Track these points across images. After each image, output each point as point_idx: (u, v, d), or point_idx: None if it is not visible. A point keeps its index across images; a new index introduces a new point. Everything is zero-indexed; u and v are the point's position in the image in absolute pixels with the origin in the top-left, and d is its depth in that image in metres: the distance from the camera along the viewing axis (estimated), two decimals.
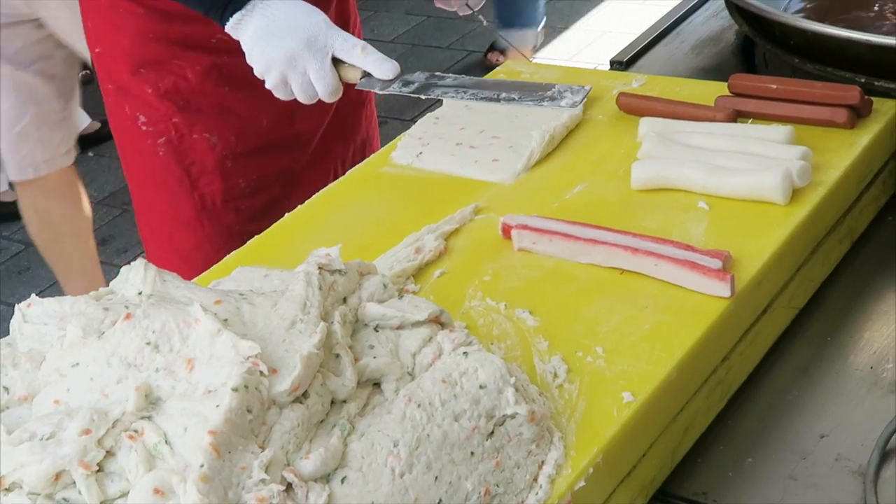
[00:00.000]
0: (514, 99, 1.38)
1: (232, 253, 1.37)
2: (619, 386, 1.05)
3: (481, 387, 0.97)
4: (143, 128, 1.83)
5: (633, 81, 1.58)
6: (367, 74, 1.45)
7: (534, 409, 0.98)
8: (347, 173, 1.52)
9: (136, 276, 1.05)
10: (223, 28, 1.54)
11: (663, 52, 1.90)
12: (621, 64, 1.84)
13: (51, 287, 3.60)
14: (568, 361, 1.09)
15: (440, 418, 0.94)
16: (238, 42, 1.63)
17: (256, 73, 1.52)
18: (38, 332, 1.02)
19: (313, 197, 1.48)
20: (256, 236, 1.40)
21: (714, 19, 1.97)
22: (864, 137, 1.36)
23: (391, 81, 1.44)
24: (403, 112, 4.56)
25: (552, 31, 5.27)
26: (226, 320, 0.96)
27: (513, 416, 0.97)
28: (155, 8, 1.78)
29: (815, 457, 1.09)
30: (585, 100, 1.39)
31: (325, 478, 0.90)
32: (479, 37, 5.37)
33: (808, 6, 1.82)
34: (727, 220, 1.26)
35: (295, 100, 1.58)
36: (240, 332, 0.95)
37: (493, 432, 0.96)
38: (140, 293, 1.03)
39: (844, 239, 1.35)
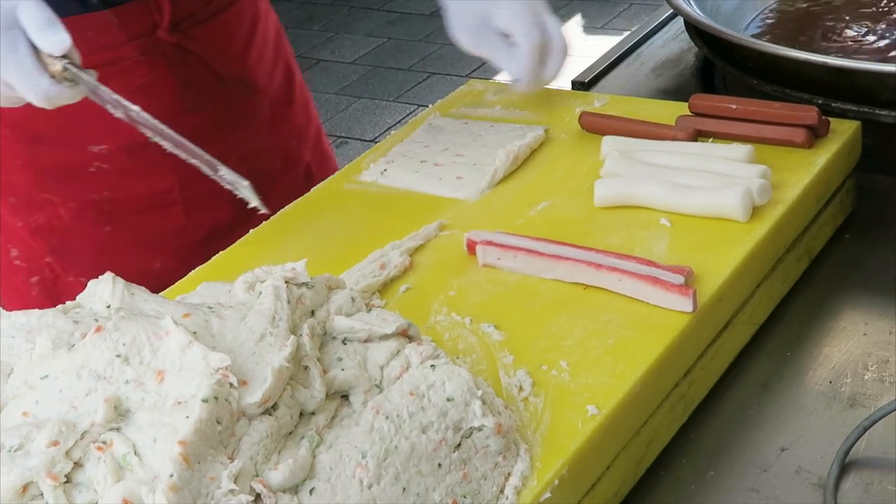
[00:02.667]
0: (204, 171, 1.22)
1: (197, 268, 1.37)
2: (584, 399, 1.07)
3: (448, 399, 0.98)
4: (16, 262, 1.59)
5: (595, 101, 1.60)
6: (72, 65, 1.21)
7: (500, 421, 0.99)
8: (312, 190, 1.52)
9: (105, 289, 1.05)
10: None
11: (624, 73, 1.92)
12: (583, 84, 1.85)
13: None
14: (533, 375, 1.10)
15: (408, 430, 0.95)
16: (125, 173, 1.48)
17: None
18: (5, 344, 1.01)
19: (277, 214, 1.48)
20: (221, 252, 1.40)
21: (674, 41, 2.00)
22: (822, 157, 1.38)
23: (93, 93, 1.22)
24: (364, 132, 4.58)
25: None
26: (195, 333, 0.97)
27: (480, 429, 0.98)
28: (21, 128, 1.51)
29: (775, 470, 1.11)
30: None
31: (294, 489, 0.91)
32: (440, 59, 5.40)
33: (767, 29, 1.85)
34: (688, 237, 1.28)
35: (213, 229, 1.40)
36: (209, 345, 0.95)
37: (460, 444, 0.97)
38: (108, 306, 1.04)
39: (803, 256, 1.37)
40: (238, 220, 1.50)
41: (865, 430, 1.11)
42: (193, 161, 1.21)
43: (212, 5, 1.59)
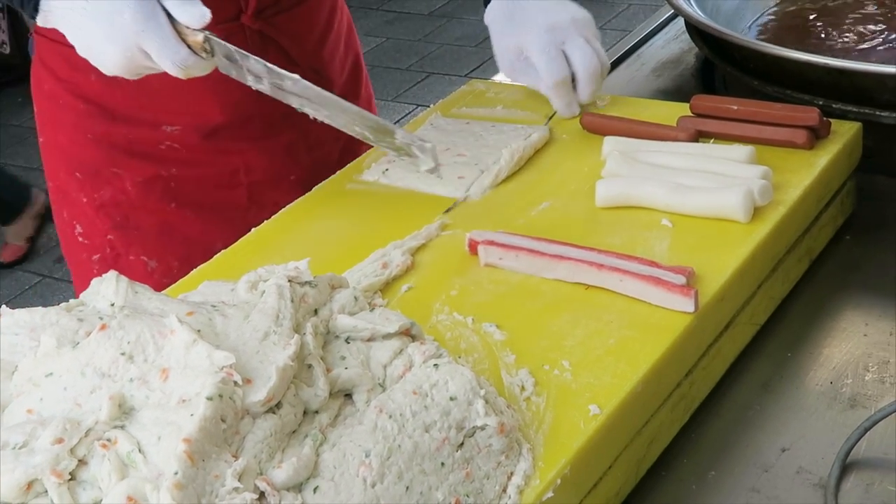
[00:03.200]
0: (367, 137, 1.27)
1: (198, 267, 1.38)
2: (586, 399, 1.07)
3: (451, 398, 0.98)
4: (80, 239, 1.63)
5: (597, 101, 1.61)
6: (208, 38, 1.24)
7: (503, 420, 0.99)
8: (313, 189, 1.52)
9: (108, 287, 1.06)
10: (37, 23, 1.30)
11: (624, 74, 1.93)
12: None
13: None
14: (535, 375, 1.11)
15: (411, 429, 0.95)
16: (194, 152, 1.50)
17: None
18: (8, 342, 1.02)
19: (279, 213, 1.48)
20: (223, 251, 1.41)
21: (674, 42, 2.00)
22: (822, 158, 1.39)
23: (234, 64, 1.24)
24: None
25: None
26: (199, 331, 0.97)
27: (482, 428, 0.98)
28: (97, 103, 1.56)
29: (776, 470, 1.11)
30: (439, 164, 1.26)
31: (298, 487, 0.91)
32: (439, 59, 5.40)
33: (768, 29, 1.86)
34: (690, 238, 1.28)
35: (274, 213, 1.40)
36: (213, 343, 0.95)
37: (462, 443, 0.97)
38: (112, 304, 1.04)
39: (804, 257, 1.37)
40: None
41: (866, 430, 1.11)
42: (355, 129, 1.24)
43: None
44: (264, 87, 1.26)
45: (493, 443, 0.98)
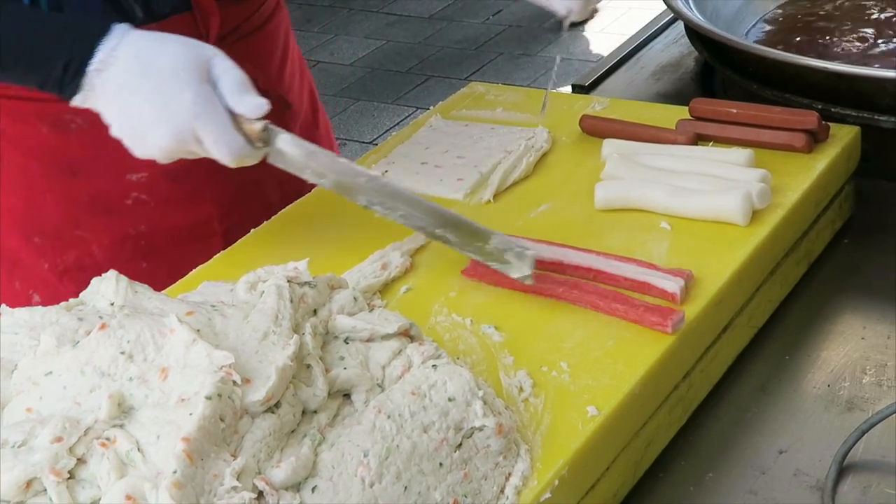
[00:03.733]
0: (448, 241, 1.24)
1: (198, 268, 1.38)
2: (584, 400, 1.07)
3: (450, 399, 0.98)
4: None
5: (596, 104, 1.61)
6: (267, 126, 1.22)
7: (501, 421, 0.99)
8: (312, 191, 1.52)
9: (108, 287, 1.06)
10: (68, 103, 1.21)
11: (624, 77, 1.93)
12: (583, 88, 1.86)
13: None
14: (533, 376, 1.11)
15: (409, 429, 0.95)
16: (165, 202, 1.42)
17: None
18: (8, 341, 1.02)
19: (278, 214, 1.48)
20: (222, 251, 1.41)
21: (674, 46, 2.00)
22: (821, 162, 1.39)
23: (305, 165, 1.22)
24: (363, 134, 4.58)
25: (511, 58, 5.33)
26: (198, 331, 0.97)
27: (481, 429, 0.98)
28: (52, 158, 1.43)
29: (774, 472, 1.12)
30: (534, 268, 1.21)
31: (296, 487, 0.91)
32: (439, 62, 5.41)
33: (767, 33, 1.86)
34: (688, 240, 1.29)
35: None
36: (213, 343, 0.96)
37: (461, 444, 0.97)
38: (112, 304, 1.04)
39: (802, 260, 1.38)
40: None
41: (863, 433, 1.11)
42: (436, 232, 1.22)
43: (253, 19, 1.55)
44: (325, 184, 1.25)
45: (491, 443, 0.98)
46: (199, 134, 1.18)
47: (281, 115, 1.53)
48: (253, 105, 1.19)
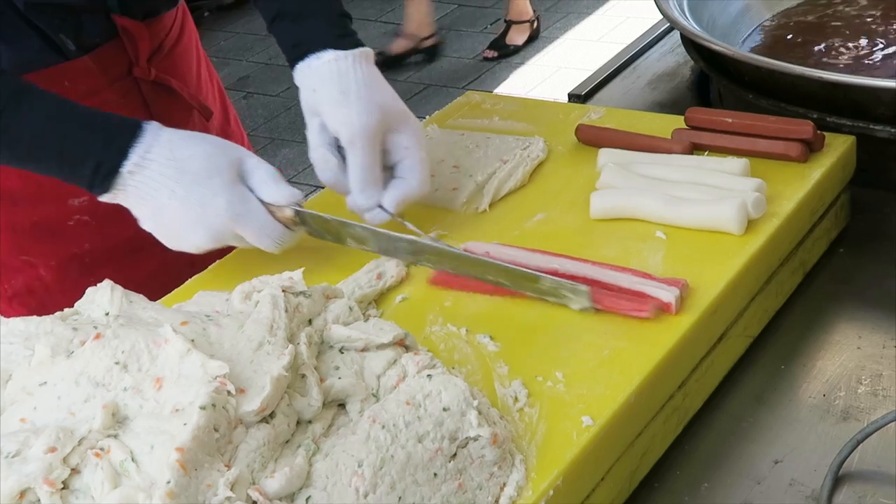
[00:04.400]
0: (503, 284, 1.23)
1: (193, 277, 1.38)
2: (579, 410, 1.07)
3: (445, 409, 0.98)
4: None
5: (592, 113, 1.61)
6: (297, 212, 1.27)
7: (496, 431, 0.99)
8: (308, 200, 1.52)
9: (103, 297, 1.06)
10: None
11: (620, 86, 1.93)
12: (579, 97, 1.87)
13: None
14: (528, 386, 1.11)
15: (404, 439, 0.95)
16: (105, 221, 1.44)
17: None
18: (3, 351, 1.02)
19: None
20: (217, 261, 1.41)
21: (670, 55, 2.01)
22: (816, 171, 1.39)
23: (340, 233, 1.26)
24: None
25: (508, 67, 5.33)
26: (192, 341, 0.97)
27: (475, 439, 0.98)
28: None
29: (769, 482, 1.11)
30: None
31: (290, 497, 0.91)
32: (436, 71, 5.42)
33: (763, 43, 1.86)
34: (684, 250, 1.29)
35: (182, 269, 1.36)
36: (207, 353, 0.96)
37: (455, 454, 0.97)
38: (107, 314, 1.04)
39: (798, 270, 1.38)
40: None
41: (859, 443, 1.11)
42: (489, 279, 1.23)
43: (171, 33, 1.58)
44: (370, 248, 1.29)
45: (486, 454, 0.98)
46: (241, 232, 1.23)
47: (202, 122, 1.57)
48: (288, 194, 1.25)
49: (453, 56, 5.56)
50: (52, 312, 1.37)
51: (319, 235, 1.30)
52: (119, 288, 1.07)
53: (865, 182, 1.50)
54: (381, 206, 1.32)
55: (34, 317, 1.03)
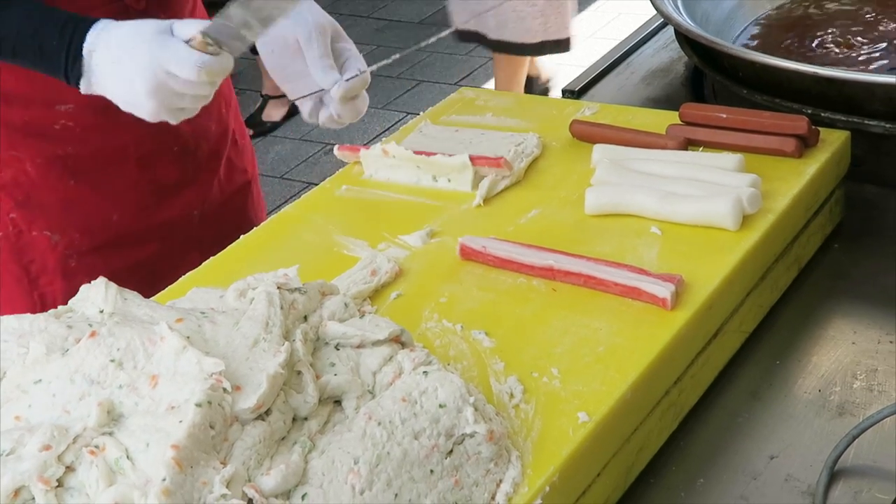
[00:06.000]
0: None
1: (187, 274, 1.38)
2: (575, 406, 1.07)
3: (441, 406, 0.98)
4: None
5: (586, 109, 1.61)
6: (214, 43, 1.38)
7: (492, 428, 0.99)
8: (302, 197, 1.52)
9: (98, 294, 1.05)
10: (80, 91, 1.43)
11: (614, 82, 1.93)
12: (573, 93, 1.86)
13: None
14: (524, 382, 1.11)
15: (400, 436, 0.95)
16: (88, 129, 1.62)
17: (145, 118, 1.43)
18: None
19: (268, 220, 1.49)
20: (211, 258, 1.41)
21: (664, 51, 2.00)
22: (811, 166, 1.39)
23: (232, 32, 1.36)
24: (353, 140, 4.58)
25: None
26: (188, 338, 0.97)
27: (472, 435, 0.98)
28: None
29: (765, 477, 1.12)
30: None
31: (286, 494, 0.91)
32: (429, 67, 5.41)
33: (757, 38, 1.86)
34: (679, 245, 1.29)
35: (154, 189, 1.63)
36: (202, 350, 0.95)
37: (452, 451, 0.97)
38: (101, 311, 1.04)
39: (792, 265, 1.38)
40: (185, 179, 1.72)
41: (854, 438, 1.11)
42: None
43: None
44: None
45: (482, 450, 0.98)
46: (166, 67, 1.36)
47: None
48: (198, 24, 1.37)
49: (445, 52, 5.55)
50: (38, 206, 1.64)
51: (237, 45, 1.38)
52: (113, 285, 1.07)
53: (860, 177, 1.51)
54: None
55: (28, 314, 1.03)
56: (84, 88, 1.42)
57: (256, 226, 1.68)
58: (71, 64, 1.41)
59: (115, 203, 1.69)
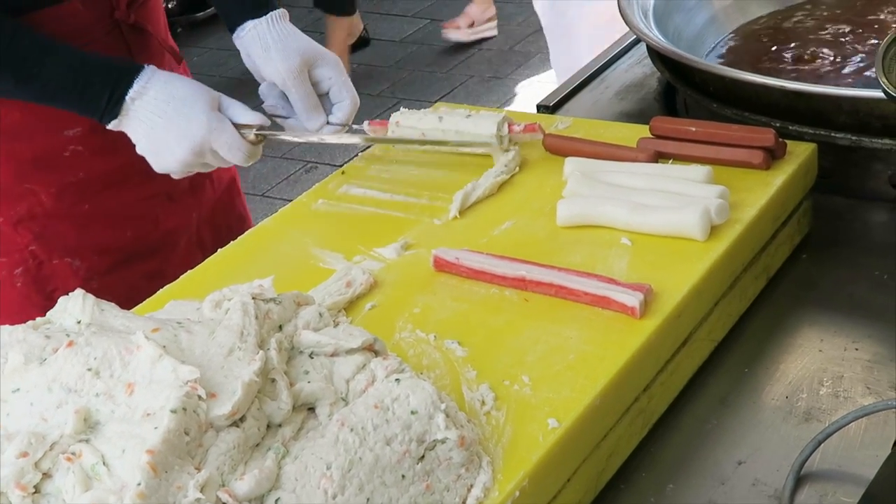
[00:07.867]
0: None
1: (164, 287, 1.39)
2: (545, 413, 1.09)
3: (413, 412, 1.00)
4: None
5: (559, 123, 1.63)
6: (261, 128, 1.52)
7: (463, 434, 1.01)
8: (279, 211, 1.54)
9: (75, 305, 1.07)
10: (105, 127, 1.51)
11: (588, 97, 1.96)
12: (548, 108, 1.89)
13: None
14: (495, 389, 1.12)
15: (372, 442, 0.97)
16: (94, 153, 1.66)
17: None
18: None
19: (245, 234, 1.50)
20: (189, 271, 1.42)
21: (637, 66, 2.03)
22: (778, 178, 1.41)
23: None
24: (334, 157, 4.60)
25: (482, 81, 5.35)
26: (164, 347, 0.99)
27: (443, 441, 1.00)
28: None
29: (733, 482, 1.13)
30: None
31: (260, 499, 0.93)
32: (410, 85, 5.43)
33: (728, 53, 1.89)
34: (648, 256, 1.31)
35: (160, 200, 1.70)
36: (178, 359, 0.97)
37: (423, 456, 0.99)
38: (79, 322, 1.05)
39: (761, 275, 1.40)
40: (186, 184, 1.76)
41: (820, 443, 1.13)
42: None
43: None
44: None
45: (453, 456, 1.00)
46: (215, 146, 1.48)
47: (172, 64, 1.80)
48: (256, 116, 1.51)
49: (426, 70, 5.58)
50: (56, 235, 1.70)
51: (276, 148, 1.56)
52: (91, 297, 1.08)
53: (827, 189, 1.53)
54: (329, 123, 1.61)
55: (6, 326, 1.04)
56: (111, 126, 1.50)
57: (245, 218, 1.85)
58: (112, 106, 1.48)
59: (128, 219, 1.75)
